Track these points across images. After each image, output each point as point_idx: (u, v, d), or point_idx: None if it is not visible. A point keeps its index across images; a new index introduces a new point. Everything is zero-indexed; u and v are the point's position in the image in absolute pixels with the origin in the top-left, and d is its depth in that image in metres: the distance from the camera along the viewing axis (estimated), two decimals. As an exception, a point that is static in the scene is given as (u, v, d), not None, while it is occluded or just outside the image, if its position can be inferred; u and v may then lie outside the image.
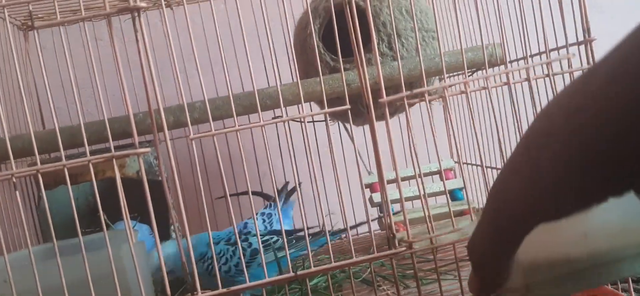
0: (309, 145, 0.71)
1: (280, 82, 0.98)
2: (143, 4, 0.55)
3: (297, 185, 0.77)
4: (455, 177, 0.88)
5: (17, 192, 0.59)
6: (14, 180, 0.59)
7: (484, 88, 0.56)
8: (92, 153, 0.84)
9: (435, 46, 0.79)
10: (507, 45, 0.66)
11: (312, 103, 0.90)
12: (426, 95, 0.55)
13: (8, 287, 0.58)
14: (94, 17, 0.57)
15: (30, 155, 0.79)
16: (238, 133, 0.62)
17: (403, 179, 0.87)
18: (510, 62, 0.67)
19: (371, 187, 0.90)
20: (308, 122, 0.77)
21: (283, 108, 0.65)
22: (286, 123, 0.82)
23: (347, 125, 0.93)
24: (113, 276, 0.58)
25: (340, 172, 0.88)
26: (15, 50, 0.89)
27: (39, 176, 0.59)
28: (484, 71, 0.58)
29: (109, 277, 0.59)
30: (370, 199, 0.88)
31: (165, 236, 0.97)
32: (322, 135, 1.06)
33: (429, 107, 0.56)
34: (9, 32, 0.65)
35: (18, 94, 0.89)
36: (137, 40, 0.56)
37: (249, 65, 0.63)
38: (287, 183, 0.92)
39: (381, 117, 0.75)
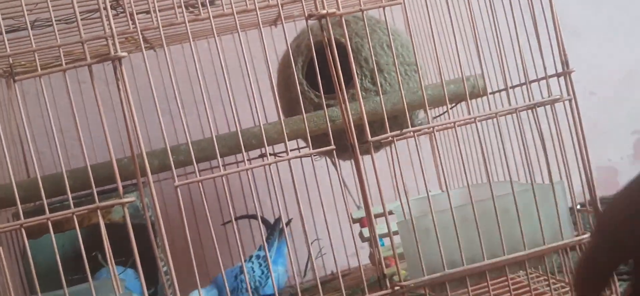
0: (295, 183, 0.70)
1: (266, 120, 0.98)
2: (124, 54, 0.54)
3: (283, 223, 0.76)
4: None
5: (0, 248, 0.58)
6: None
7: (471, 121, 0.57)
8: (78, 199, 0.83)
9: (418, 79, 0.80)
10: (488, 77, 0.66)
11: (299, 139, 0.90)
12: (415, 133, 0.55)
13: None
14: (76, 67, 0.56)
15: (13, 205, 0.78)
16: (225, 177, 0.61)
17: (391, 214, 0.87)
18: (492, 93, 0.68)
19: (360, 221, 0.89)
20: (295, 158, 0.77)
21: (267, 148, 0.65)
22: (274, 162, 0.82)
23: (335, 161, 0.93)
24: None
25: (329, 206, 0.87)
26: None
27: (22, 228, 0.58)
28: (468, 103, 0.59)
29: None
30: (360, 234, 0.88)
31: (153, 281, 0.96)
32: (310, 170, 1.06)
33: (417, 143, 0.56)
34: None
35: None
36: (118, 89, 0.56)
37: (233, 105, 0.63)
38: (278, 218, 0.91)
39: (366, 151, 0.75)
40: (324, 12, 0.54)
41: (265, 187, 1.03)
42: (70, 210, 0.58)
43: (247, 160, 0.63)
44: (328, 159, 0.98)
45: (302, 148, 0.93)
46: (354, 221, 0.88)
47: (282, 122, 0.65)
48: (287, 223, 0.93)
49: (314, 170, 0.66)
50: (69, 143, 1.06)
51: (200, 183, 0.59)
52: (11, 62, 0.57)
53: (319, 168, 1.03)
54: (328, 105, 0.80)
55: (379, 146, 0.75)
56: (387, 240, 0.92)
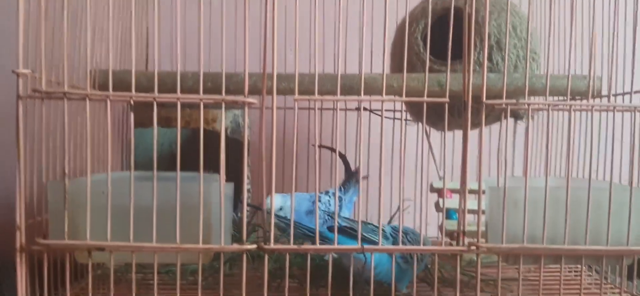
0: (382, 139, 0.73)
1: (377, 72, 1.01)
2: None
3: (360, 176, 0.80)
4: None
5: (108, 112, 0.64)
6: (109, 100, 0.64)
7: (588, 109, 0.59)
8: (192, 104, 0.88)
9: (534, 68, 0.82)
10: (612, 76, 0.68)
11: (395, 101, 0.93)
12: (529, 107, 0.58)
13: (104, 198, 0.64)
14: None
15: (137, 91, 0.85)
16: (337, 109, 0.66)
17: (455, 191, 0.89)
18: (615, 95, 0.69)
19: (439, 192, 0.92)
20: (388, 117, 0.81)
21: (361, 99, 0.69)
22: (369, 114, 0.86)
23: (427, 128, 0.96)
24: (199, 208, 0.63)
25: (409, 172, 0.90)
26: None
27: (131, 114, 0.64)
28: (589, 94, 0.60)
29: (193, 209, 0.64)
30: (436, 204, 0.91)
31: (238, 194, 1.02)
32: (397, 134, 1.08)
33: (529, 116, 0.59)
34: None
35: (129, 36, 0.96)
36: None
37: (362, 50, 0.66)
38: (357, 169, 0.96)
39: (474, 125, 0.78)
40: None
41: (353, 139, 1.06)
42: (198, 95, 0.64)
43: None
44: (419, 129, 1.00)
45: (398, 111, 0.96)
46: (433, 190, 0.91)
47: (405, 74, 0.69)
48: (364, 177, 0.97)
49: (423, 129, 0.69)
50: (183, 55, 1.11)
51: (315, 105, 0.64)
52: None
53: (408, 134, 1.05)
54: (439, 71, 0.83)
55: (477, 124, 0.77)
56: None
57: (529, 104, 0.59)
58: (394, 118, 0.98)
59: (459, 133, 0.75)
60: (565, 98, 0.64)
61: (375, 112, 0.96)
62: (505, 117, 0.62)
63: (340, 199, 0.91)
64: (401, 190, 0.65)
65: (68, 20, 0.64)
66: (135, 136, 1.01)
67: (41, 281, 0.64)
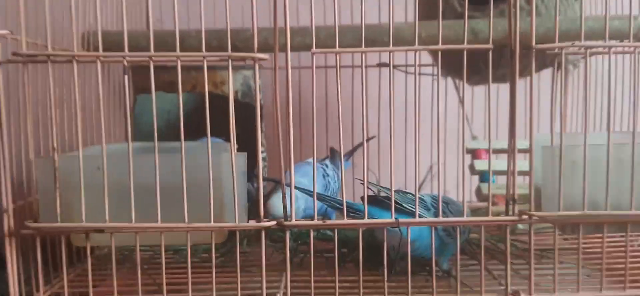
0: (407, 96, 0.65)
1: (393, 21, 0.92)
2: None
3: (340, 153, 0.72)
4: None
5: (99, 75, 0.56)
6: (100, 62, 0.56)
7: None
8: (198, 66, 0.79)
9: (576, 9, 0.73)
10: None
11: (421, 55, 0.83)
12: (587, 50, 0.49)
13: (100, 175, 0.56)
14: None
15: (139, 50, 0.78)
16: (361, 65, 0.57)
17: (497, 151, 0.80)
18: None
19: (474, 153, 0.84)
20: (422, 73, 0.72)
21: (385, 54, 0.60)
22: (390, 70, 0.77)
23: (457, 81, 0.88)
24: (209, 182, 0.56)
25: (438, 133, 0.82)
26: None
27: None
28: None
29: (203, 184, 0.56)
30: (471, 166, 0.83)
31: (252, 164, 0.94)
32: (424, 92, 0.99)
33: (587, 61, 0.50)
34: None
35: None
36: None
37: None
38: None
39: (501, 79, 0.69)
40: None
41: (375, 98, 0.97)
42: (201, 53, 0.56)
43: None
44: (448, 84, 0.91)
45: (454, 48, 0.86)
46: (468, 151, 0.83)
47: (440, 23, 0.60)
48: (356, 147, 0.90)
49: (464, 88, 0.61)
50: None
51: (337, 55, 0.55)
52: None
53: (434, 92, 0.97)
54: (471, 17, 0.74)
55: (521, 70, 0.69)
56: (499, 179, 0.87)
57: (587, 47, 0.50)
58: (420, 74, 0.89)
59: (492, 87, 0.67)
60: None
61: (399, 68, 0.87)
62: (558, 64, 0.53)
63: (334, 172, 0.82)
64: (437, 152, 0.57)
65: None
66: (140, 103, 0.94)
67: (36, 268, 0.57)
